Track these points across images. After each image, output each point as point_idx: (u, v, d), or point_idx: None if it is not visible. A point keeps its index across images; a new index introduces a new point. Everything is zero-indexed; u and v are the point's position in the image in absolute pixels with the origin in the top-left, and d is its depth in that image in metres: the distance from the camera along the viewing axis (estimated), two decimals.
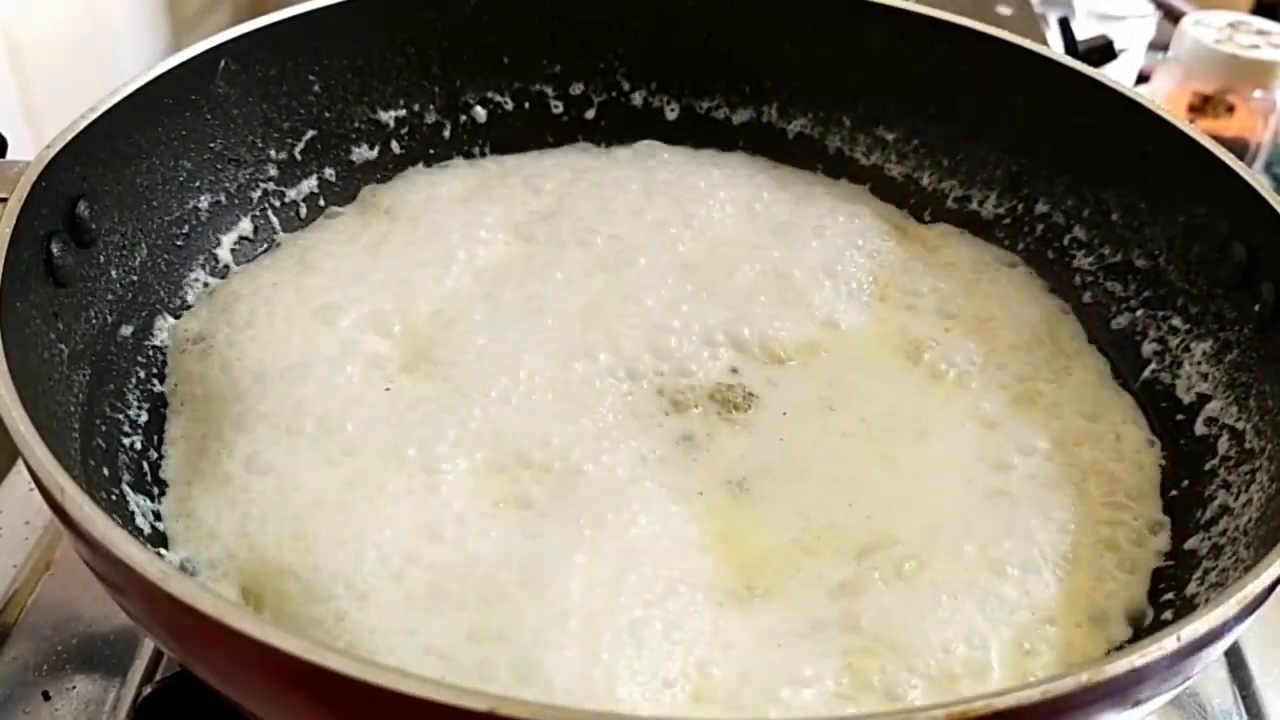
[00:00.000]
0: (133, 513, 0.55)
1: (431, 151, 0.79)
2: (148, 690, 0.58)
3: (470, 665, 0.48)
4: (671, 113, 0.82)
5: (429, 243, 0.71)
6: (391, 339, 0.64)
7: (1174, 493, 0.60)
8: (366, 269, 0.69)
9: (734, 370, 0.65)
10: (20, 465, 0.70)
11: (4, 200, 0.52)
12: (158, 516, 0.56)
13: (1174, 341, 0.65)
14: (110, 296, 0.60)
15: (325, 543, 0.53)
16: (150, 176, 0.64)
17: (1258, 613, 0.42)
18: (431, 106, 0.79)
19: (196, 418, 0.61)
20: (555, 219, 0.73)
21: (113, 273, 0.61)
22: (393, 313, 0.65)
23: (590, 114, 0.82)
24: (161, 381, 0.63)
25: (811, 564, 0.55)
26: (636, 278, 0.69)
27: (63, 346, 0.55)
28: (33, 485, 0.44)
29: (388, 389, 0.61)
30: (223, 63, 0.68)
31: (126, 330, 0.62)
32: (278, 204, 0.73)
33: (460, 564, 0.52)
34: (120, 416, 0.59)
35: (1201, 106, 1.10)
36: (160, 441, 0.60)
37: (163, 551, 0.54)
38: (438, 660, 0.49)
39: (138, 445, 0.59)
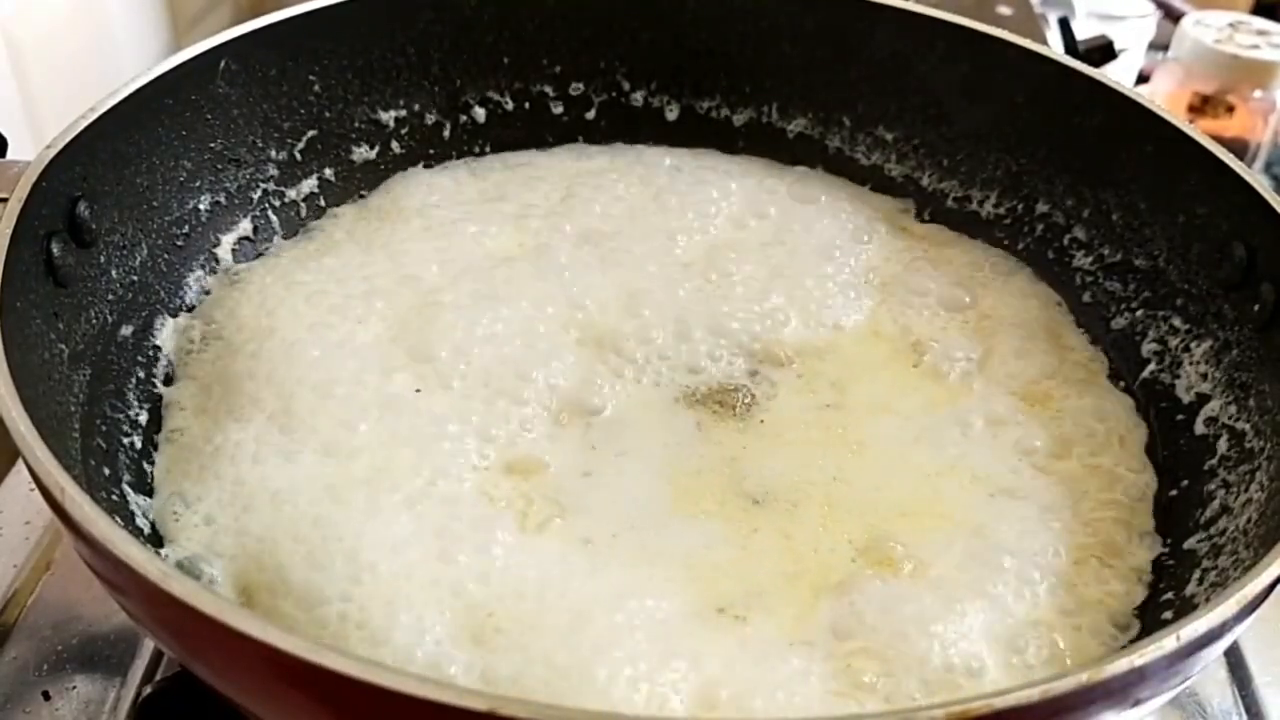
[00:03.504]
0: (133, 513, 0.55)
1: (431, 151, 0.79)
2: (148, 690, 0.58)
3: (467, 668, 0.48)
4: (671, 113, 0.82)
5: (431, 241, 0.71)
6: (393, 337, 0.64)
7: (1174, 492, 0.60)
8: (368, 267, 0.69)
9: (736, 372, 0.65)
10: (20, 465, 0.70)
11: (4, 200, 0.52)
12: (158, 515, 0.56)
13: (1174, 341, 0.65)
14: (110, 296, 0.60)
15: (323, 542, 0.53)
16: (150, 176, 0.64)
17: (1257, 613, 0.42)
18: (432, 106, 0.79)
19: (194, 416, 0.61)
20: (557, 217, 0.73)
21: (113, 273, 0.61)
22: (395, 310, 0.65)
23: (590, 114, 0.82)
24: (161, 381, 0.63)
25: (811, 564, 0.55)
26: (637, 279, 0.69)
27: (63, 346, 0.55)
28: (33, 485, 0.44)
29: (389, 387, 0.61)
30: (223, 63, 0.68)
31: (126, 330, 0.62)
32: (278, 204, 0.73)
33: (460, 568, 0.52)
34: (120, 416, 0.59)
35: (1201, 106, 1.10)
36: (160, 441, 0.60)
37: (163, 551, 0.54)
38: (434, 662, 0.49)
39: (138, 445, 0.59)
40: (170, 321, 0.65)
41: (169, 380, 0.63)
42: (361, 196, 0.76)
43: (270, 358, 0.62)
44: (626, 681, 0.48)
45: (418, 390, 0.61)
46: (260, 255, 0.71)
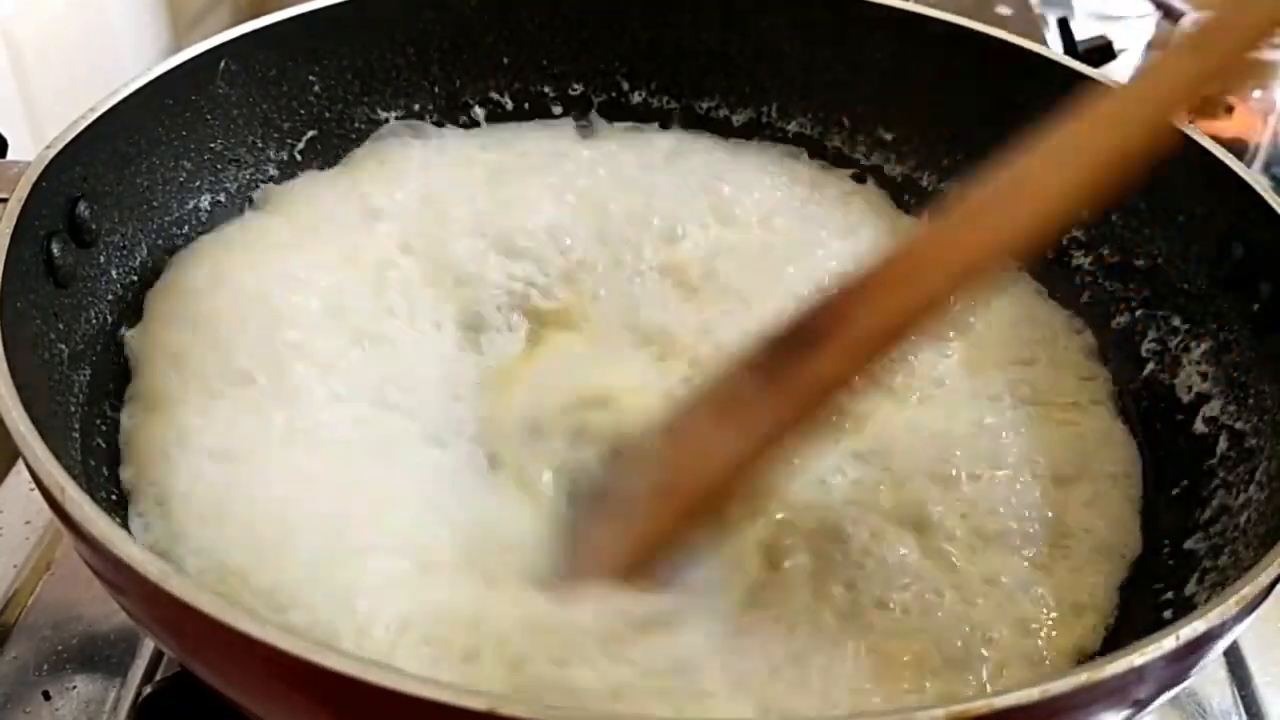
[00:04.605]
0: None
1: None
2: (148, 690, 0.58)
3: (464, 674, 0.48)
4: (671, 113, 0.82)
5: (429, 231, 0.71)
6: (393, 332, 0.64)
7: (1174, 492, 0.60)
8: (362, 259, 0.69)
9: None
10: (20, 465, 0.71)
11: (4, 200, 0.52)
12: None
13: (1173, 341, 0.65)
14: (110, 296, 0.60)
15: (309, 544, 0.52)
16: (150, 176, 0.64)
17: (1257, 612, 0.42)
18: (431, 106, 0.79)
19: (171, 409, 0.60)
20: (553, 205, 0.73)
21: (113, 273, 0.61)
22: (393, 304, 0.65)
23: (591, 114, 0.82)
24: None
25: (811, 553, 0.55)
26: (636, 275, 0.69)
27: (63, 346, 0.55)
28: (33, 485, 0.44)
29: (385, 383, 0.61)
30: (223, 63, 0.68)
31: (127, 330, 0.62)
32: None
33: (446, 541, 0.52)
34: (120, 416, 0.59)
35: (1201, 106, 1.10)
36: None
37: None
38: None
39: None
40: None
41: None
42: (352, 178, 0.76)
43: (243, 338, 0.60)
44: (631, 677, 0.48)
45: (417, 385, 0.61)
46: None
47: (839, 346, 0.46)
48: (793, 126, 0.81)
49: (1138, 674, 0.37)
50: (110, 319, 0.60)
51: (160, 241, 0.65)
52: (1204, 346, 0.63)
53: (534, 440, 0.59)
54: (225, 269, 0.64)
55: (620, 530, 0.51)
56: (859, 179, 0.79)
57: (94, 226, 0.58)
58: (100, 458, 0.55)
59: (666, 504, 0.49)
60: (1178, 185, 0.65)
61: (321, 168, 0.75)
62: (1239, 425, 0.59)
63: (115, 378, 0.60)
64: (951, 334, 0.66)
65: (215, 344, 0.59)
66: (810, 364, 0.46)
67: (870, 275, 0.47)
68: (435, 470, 0.57)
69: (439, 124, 0.78)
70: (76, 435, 0.54)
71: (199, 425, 0.56)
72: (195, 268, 0.64)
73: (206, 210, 0.69)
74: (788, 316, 0.49)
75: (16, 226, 0.51)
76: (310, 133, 0.74)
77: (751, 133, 0.82)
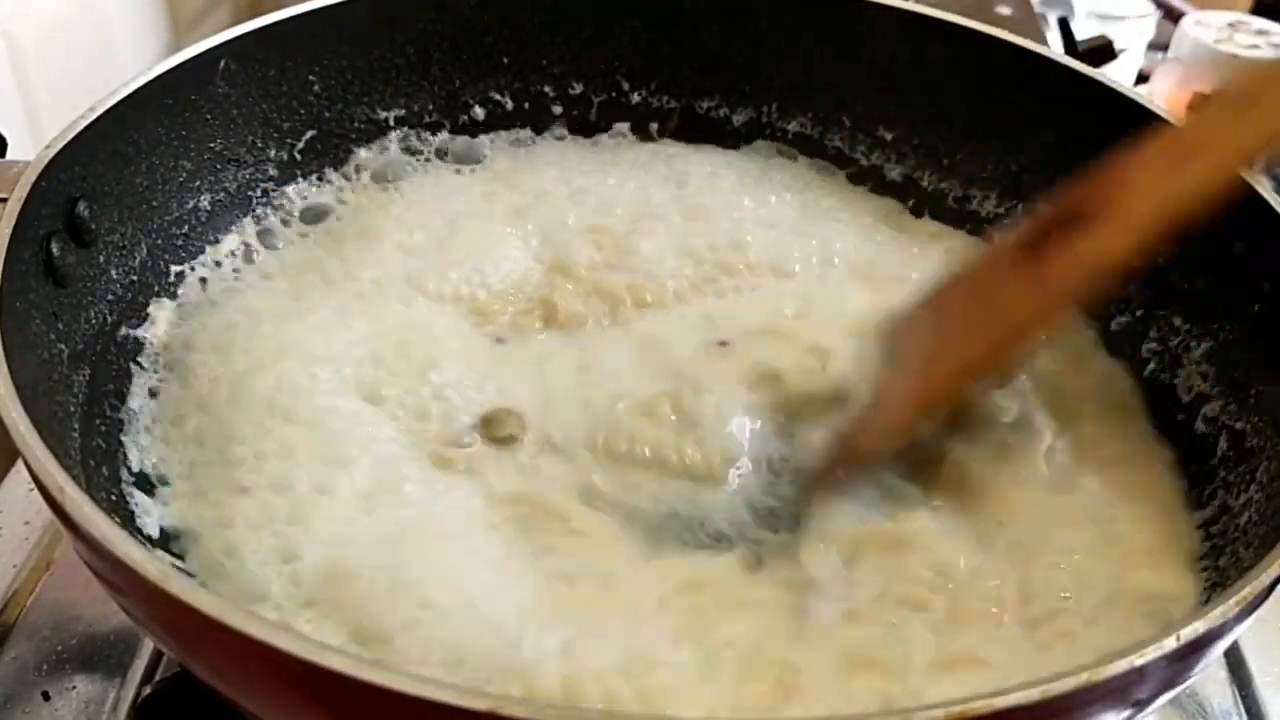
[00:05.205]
0: (133, 512, 0.55)
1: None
2: (148, 690, 0.58)
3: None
4: (671, 113, 0.82)
5: (434, 240, 0.71)
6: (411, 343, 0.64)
7: None
8: (370, 266, 0.69)
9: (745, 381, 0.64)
10: (20, 465, 0.70)
11: (4, 200, 0.52)
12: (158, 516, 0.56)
13: (1173, 341, 0.65)
14: (110, 296, 0.60)
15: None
16: (150, 176, 0.64)
17: (1257, 613, 0.42)
18: (431, 106, 0.79)
19: (183, 421, 0.60)
20: (560, 211, 0.73)
21: (113, 273, 0.61)
22: (407, 315, 0.65)
23: (591, 114, 0.82)
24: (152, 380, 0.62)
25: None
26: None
27: (63, 346, 0.55)
28: (33, 485, 0.44)
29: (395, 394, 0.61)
30: (223, 63, 0.68)
31: (126, 330, 0.62)
32: (278, 204, 0.73)
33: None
34: (120, 416, 0.59)
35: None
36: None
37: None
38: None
39: (139, 444, 0.59)
40: (163, 324, 0.64)
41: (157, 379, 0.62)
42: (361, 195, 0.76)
43: (260, 363, 0.61)
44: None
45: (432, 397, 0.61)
46: (258, 255, 0.71)
47: (1110, 226, 0.46)
48: (793, 126, 0.81)
49: (1138, 674, 0.37)
50: (110, 319, 0.60)
51: (160, 241, 0.65)
52: (1204, 346, 0.63)
53: None
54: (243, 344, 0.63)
55: (901, 388, 0.55)
56: (859, 179, 0.80)
57: (94, 226, 0.58)
58: (100, 458, 0.55)
59: (934, 372, 0.53)
60: None
61: (320, 176, 0.75)
62: (1239, 425, 0.59)
63: (115, 378, 0.60)
64: None
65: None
66: (1080, 243, 0.46)
67: (1136, 160, 0.47)
68: None
69: (440, 126, 0.79)
70: (76, 435, 0.54)
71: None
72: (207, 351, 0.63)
73: (206, 210, 0.69)
74: (1052, 199, 0.49)
75: (16, 226, 0.51)
76: (310, 133, 0.74)
77: (751, 133, 0.82)
